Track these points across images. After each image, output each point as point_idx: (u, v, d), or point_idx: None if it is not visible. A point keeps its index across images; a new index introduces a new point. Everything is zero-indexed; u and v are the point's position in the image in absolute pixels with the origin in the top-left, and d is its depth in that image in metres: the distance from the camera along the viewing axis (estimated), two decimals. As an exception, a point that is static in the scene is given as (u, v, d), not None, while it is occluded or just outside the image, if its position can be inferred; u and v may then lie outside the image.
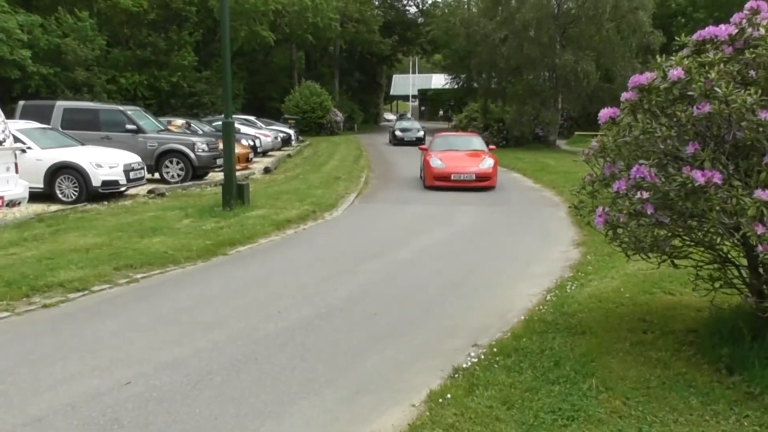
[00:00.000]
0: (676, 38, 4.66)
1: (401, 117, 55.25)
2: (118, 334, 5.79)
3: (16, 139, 12.44)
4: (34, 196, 12.19)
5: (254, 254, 9.32)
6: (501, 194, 15.94)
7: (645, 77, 4.47)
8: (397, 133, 36.73)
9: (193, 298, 6.99)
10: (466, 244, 10.04)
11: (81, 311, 6.51)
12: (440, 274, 8.06)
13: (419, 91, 74.92)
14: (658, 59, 4.54)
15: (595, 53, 30.99)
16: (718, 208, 3.95)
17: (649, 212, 4.24)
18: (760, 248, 3.79)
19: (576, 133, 37.87)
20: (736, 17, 4.47)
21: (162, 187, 14.99)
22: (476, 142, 19.17)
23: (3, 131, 11.14)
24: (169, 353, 5.29)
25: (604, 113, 4.87)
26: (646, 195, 4.21)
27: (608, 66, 31.62)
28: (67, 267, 7.74)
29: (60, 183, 13.14)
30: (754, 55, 4.13)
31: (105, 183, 13.29)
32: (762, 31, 4.25)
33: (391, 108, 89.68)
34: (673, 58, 4.50)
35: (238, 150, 16.28)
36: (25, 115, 15.96)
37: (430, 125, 50.10)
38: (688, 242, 4.76)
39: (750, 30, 4.29)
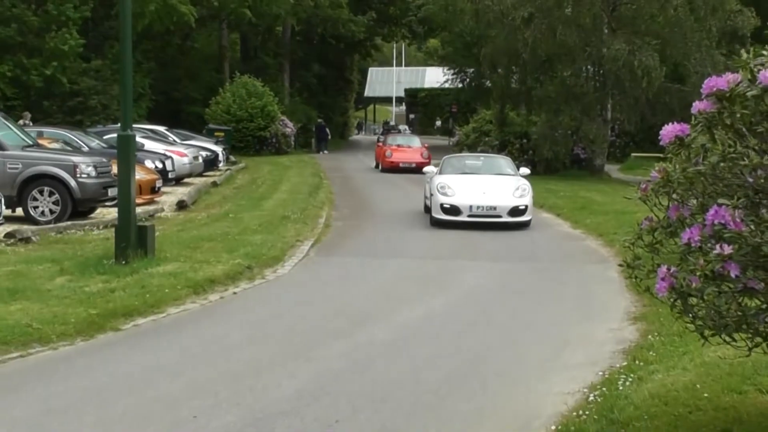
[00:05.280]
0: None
1: (389, 130, 54.82)
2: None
3: None
4: None
5: (160, 330, 9.26)
6: (524, 243, 16.01)
7: (725, 80, 4.53)
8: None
9: (68, 396, 6.87)
10: (472, 319, 10.03)
11: None
12: (434, 364, 8.02)
13: (407, 91, 75.69)
14: (744, 55, 4.60)
15: (659, 41, 31.38)
16: (832, 269, 3.99)
17: (733, 274, 4.27)
18: None
19: (633, 154, 38.28)
20: None
21: (27, 228, 14.84)
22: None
23: None
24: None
25: (668, 131, 4.92)
26: (728, 249, 4.24)
27: (678, 59, 32.05)
28: None
29: None
30: None
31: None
32: None
33: (366, 115, 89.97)
34: (765, 51, 4.57)
35: (140, 175, 16.24)
36: None
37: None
38: (791, 318, 4.79)
39: None
